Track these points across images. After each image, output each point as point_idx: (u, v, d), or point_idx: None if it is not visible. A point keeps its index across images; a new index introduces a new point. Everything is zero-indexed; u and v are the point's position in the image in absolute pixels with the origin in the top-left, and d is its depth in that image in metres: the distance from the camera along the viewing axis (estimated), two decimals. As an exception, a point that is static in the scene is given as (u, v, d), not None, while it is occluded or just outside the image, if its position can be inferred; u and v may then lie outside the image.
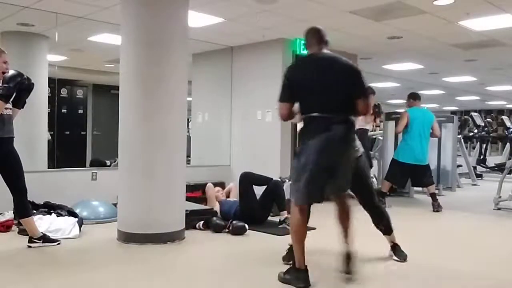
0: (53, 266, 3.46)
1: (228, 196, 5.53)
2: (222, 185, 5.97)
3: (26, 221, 3.87)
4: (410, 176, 6.50)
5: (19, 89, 3.68)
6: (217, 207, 5.13)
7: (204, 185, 5.51)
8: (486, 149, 11.23)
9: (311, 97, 2.89)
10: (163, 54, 4.12)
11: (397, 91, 11.58)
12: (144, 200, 4.12)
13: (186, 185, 4.55)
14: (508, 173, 6.54)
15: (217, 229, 4.59)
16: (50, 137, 6.52)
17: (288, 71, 3.01)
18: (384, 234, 3.49)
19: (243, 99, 7.01)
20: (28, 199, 3.90)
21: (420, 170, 6.19)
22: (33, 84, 3.79)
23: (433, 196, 6.20)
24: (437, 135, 6.49)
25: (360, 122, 6.88)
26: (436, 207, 6.07)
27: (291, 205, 2.88)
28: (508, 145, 6.97)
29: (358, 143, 3.06)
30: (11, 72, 3.66)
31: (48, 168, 6.09)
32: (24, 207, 3.86)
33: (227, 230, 4.56)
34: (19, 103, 3.77)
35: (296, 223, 2.83)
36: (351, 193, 3.16)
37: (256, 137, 6.75)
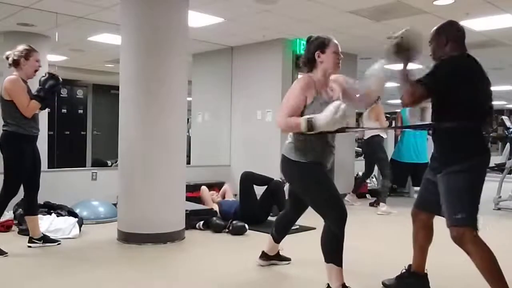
0: (53, 266, 3.46)
1: (224, 198, 5.54)
2: (221, 185, 5.97)
3: (32, 219, 3.88)
4: (411, 175, 6.50)
5: (52, 93, 3.74)
6: (215, 208, 5.13)
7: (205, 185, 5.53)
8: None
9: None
10: (163, 54, 4.12)
11: (397, 91, 11.57)
12: (144, 200, 4.12)
13: (186, 185, 4.55)
14: (508, 173, 6.54)
15: (217, 229, 4.59)
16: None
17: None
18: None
19: (243, 99, 7.01)
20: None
21: (420, 169, 6.16)
22: (61, 88, 3.85)
23: None
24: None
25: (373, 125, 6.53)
26: None
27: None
28: (508, 145, 6.96)
29: None
30: (47, 74, 3.72)
31: (48, 168, 6.09)
32: (34, 205, 3.89)
33: (227, 230, 4.57)
34: (44, 105, 3.78)
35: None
36: None
37: (256, 137, 6.75)
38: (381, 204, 6.05)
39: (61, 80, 3.78)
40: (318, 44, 2.84)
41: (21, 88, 3.62)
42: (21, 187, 3.76)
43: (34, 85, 3.77)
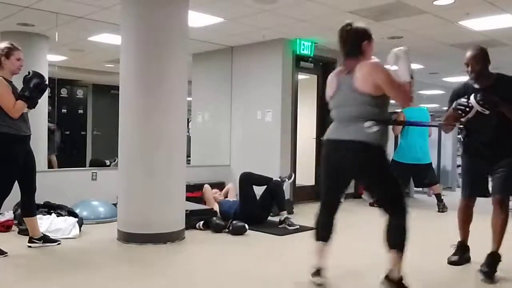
0: (53, 266, 3.46)
1: (226, 197, 5.54)
2: (221, 185, 5.97)
3: (30, 220, 3.88)
4: (413, 176, 6.49)
5: (39, 91, 3.66)
6: (216, 208, 5.13)
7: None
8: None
9: None
10: (163, 54, 4.12)
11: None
12: (144, 200, 4.12)
13: (186, 185, 4.55)
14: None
15: (217, 229, 4.59)
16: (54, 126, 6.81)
17: None
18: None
19: (243, 99, 7.00)
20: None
21: (422, 169, 6.16)
22: (47, 85, 3.78)
23: (438, 196, 6.17)
24: (430, 133, 6.55)
25: None
26: (441, 208, 6.05)
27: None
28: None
29: None
30: (31, 72, 3.65)
31: (48, 168, 6.10)
32: (31, 207, 3.86)
33: (227, 230, 4.57)
34: (32, 104, 3.70)
35: None
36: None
37: (256, 137, 6.75)
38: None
39: (45, 78, 3.70)
40: (368, 34, 2.79)
41: (5, 88, 3.53)
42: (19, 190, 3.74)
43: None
